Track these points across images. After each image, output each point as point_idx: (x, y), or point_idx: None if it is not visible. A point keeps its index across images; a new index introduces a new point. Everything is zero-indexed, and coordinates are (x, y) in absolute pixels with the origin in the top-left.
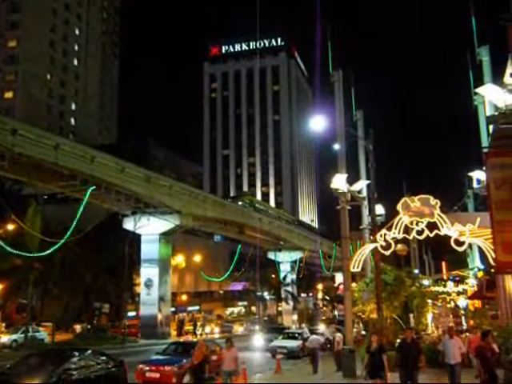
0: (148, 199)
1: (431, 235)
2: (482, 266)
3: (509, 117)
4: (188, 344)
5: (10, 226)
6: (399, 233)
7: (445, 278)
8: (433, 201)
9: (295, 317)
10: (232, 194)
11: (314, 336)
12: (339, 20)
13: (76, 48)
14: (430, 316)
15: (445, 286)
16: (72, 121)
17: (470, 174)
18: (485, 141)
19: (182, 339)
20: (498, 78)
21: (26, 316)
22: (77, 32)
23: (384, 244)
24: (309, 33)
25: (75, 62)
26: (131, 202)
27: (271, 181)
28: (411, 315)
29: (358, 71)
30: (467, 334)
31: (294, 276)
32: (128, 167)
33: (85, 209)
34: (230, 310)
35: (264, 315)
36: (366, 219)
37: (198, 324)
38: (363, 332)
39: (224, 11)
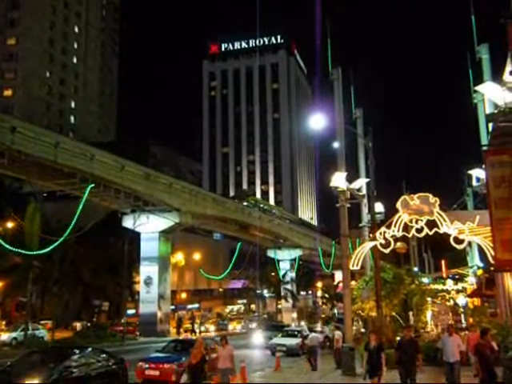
0: (147, 197)
1: (430, 233)
2: (481, 264)
3: (508, 115)
4: (187, 342)
5: (10, 224)
6: (398, 231)
7: (444, 275)
8: (432, 199)
9: (295, 315)
10: (232, 192)
11: (313, 334)
12: (339, 18)
13: (75, 46)
14: (429, 314)
15: (444, 283)
16: (71, 119)
17: (470, 171)
18: (484, 139)
19: (181, 337)
20: (497, 75)
21: (26, 314)
22: (76, 30)
23: (383, 242)
24: (308, 30)
25: (74, 60)
26: (131, 200)
27: (271, 179)
28: (410, 313)
29: (358, 69)
30: (467, 332)
31: (294, 274)
32: (127, 165)
33: (84, 207)
34: (229, 307)
35: (263, 313)
36: (366, 217)
37: (198, 322)
38: (362, 330)
39: (223, 9)
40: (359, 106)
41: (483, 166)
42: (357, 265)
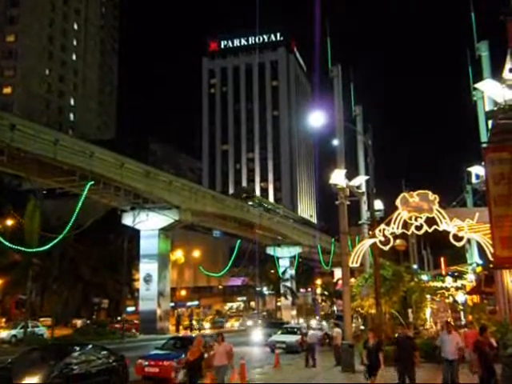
0: (147, 194)
1: (430, 230)
2: (480, 261)
3: (508, 112)
4: (187, 339)
5: (9, 222)
6: (398, 228)
7: (443, 273)
8: (431, 196)
9: (294, 312)
10: (231, 190)
11: (312, 331)
12: (338, 16)
13: (75, 43)
14: (428, 311)
15: (443, 281)
16: (71, 116)
17: (469, 169)
18: (484, 136)
19: (180, 334)
20: (497, 73)
21: (26, 311)
22: (75, 27)
23: (383, 239)
24: (308, 28)
25: (74, 57)
26: (130, 198)
27: (270, 176)
28: (410, 310)
29: (358, 68)
30: (466, 329)
31: (293, 271)
32: (127, 162)
33: (84, 204)
34: (229, 305)
35: (263, 310)
36: (365, 214)
37: (196, 319)
38: (362, 327)
39: (223, 6)
40: (359, 103)
41: (483, 163)
42: (356, 262)
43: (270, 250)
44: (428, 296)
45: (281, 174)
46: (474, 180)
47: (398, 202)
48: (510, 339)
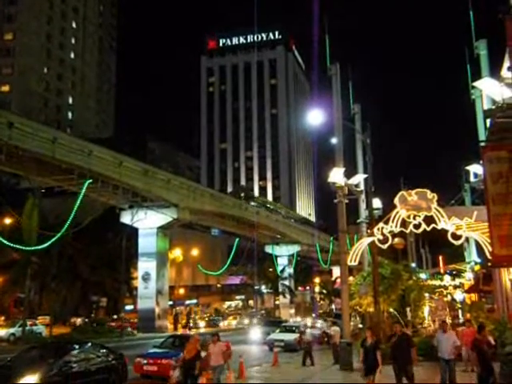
0: (145, 193)
1: (428, 229)
2: (478, 260)
3: (506, 111)
4: (185, 337)
5: (8, 220)
6: (396, 226)
7: (442, 271)
8: (430, 194)
9: (292, 310)
10: (230, 188)
11: (309, 330)
12: (337, 14)
13: (73, 41)
14: (426, 310)
15: (442, 279)
16: (69, 114)
17: (467, 167)
18: (482, 135)
19: (179, 332)
20: (495, 71)
21: (24, 310)
22: (73, 25)
23: (381, 238)
24: (306, 26)
25: (72, 56)
26: (129, 196)
27: (268, 175)
28: (408, 309)
29: (356, 65)
30: (464, 327)
31: (292, 270)
32: (125, 161)
33: (82, 202)
34: (227, 303)
35: (261, 309)
36: (364, 213)
37: (196, 317)
38: (360, 325)
39: (221, 4)
40: (357, 101)
41: (481, 162)
42: (355, 260)
43: (268, 249)
44: (426, 294)
45: (279, 172)
46: (472, 178)
47: (396, 201)
48: (508, 337)
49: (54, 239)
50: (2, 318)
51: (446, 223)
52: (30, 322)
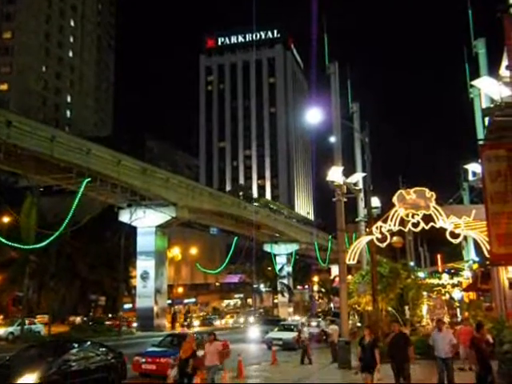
0: (144, 191)
1: (427, 228)
2: (476, 259)
3: (504, 109)
4: (184, 336)
5: (6, 219)
6: (395, 225)
7: (440, 270)
8: (428, 193)
9: (291, 309)
10: (228, 187)
11: (306, 328)
12: (336, 12)
13: (71, 40)
14: (425, 308)
15: (440, 278)
16: (67, 113)
17: (466, 166)
18: (480, 133)
19: (177, 331)
20: (494, 70)
21: (23, 308)
22: (72, 24)
23: (380, 236)
24: (305, 25)
25: (70, 54)
26: (127, 195)
27: (267, 173)
28: (406, 307)
29: (355, 64)
30: (461, 326)
31: (290, 268)
32: (124, 160)
33: (80, 201)
34: (226, 302)
35: (260, 307)
36: (362, 211)
37: (194, 316)
38: (358, 324)
39: (220, 3)
40: (356, 100)
41: (479, 161)
42: (353, 259)
43: (267, 247)
44: (424, 293)
45: (278, 171)
46: (470, 177)
47: (394, 199)
48: (506, 336)
49: (52, 238)
50: (1, 316)
51: (445, 222)
52: (29, 321)
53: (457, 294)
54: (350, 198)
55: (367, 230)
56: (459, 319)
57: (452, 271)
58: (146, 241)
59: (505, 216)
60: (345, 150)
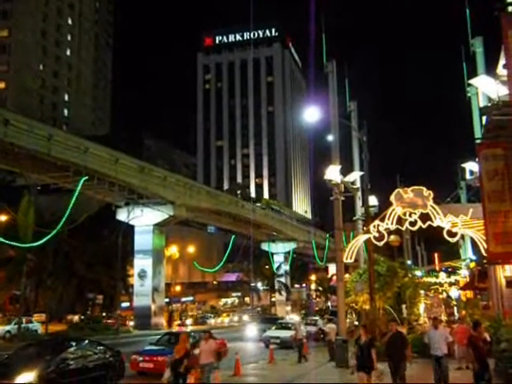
0: (142, 190)
1: (424, 226)
2: (473, 257)
3: (502, 108)
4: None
5: (3, 217)
6: (392, 224)
7: (437, 268)
8: (426, 192)
9: (289, 307)
10: (226, 186)
11: (303, 327)
12: (334, 11)
13: (69, 38)
14: (422, 307)
15: (437, 276)
16: (65, 111)
17: (463, 165)
18: (478, 132)
19: (174, 330)
20: (491, 69)
21: (20, 307)
22: (69, 22)
23: (377, 235)
24: (303, 23)
25: (68, 53)
26: (125, 193)
27: (265, 172)
28: (404, 306)
29: (353, 63)
30: (458, 324)
31: (288, 267)
32: (121, 158)
33: (78, 200)
34: (223, 300)
35: (258, 306)
36: (360, 210)
37: (189, 314)
38: (356, 323)
39: (218, 1)
40: (354, 99)
41: (477, 160)
42: (351, 258)
43: (264, 246)
44: (422, 291)
45: (276, 169)
46: (467, 176)
47: (392, 198)
48: (503, 334)
49: (49, 236)
50: None
51: (442, 220)
52: (26, 320)
53: (454, 292)
54: (348, 197)
55: (365, 228)
56: (456, 318)
57: (449, 270)
58: (143, 239)
59: (502, 215)
60: (342, 149)
